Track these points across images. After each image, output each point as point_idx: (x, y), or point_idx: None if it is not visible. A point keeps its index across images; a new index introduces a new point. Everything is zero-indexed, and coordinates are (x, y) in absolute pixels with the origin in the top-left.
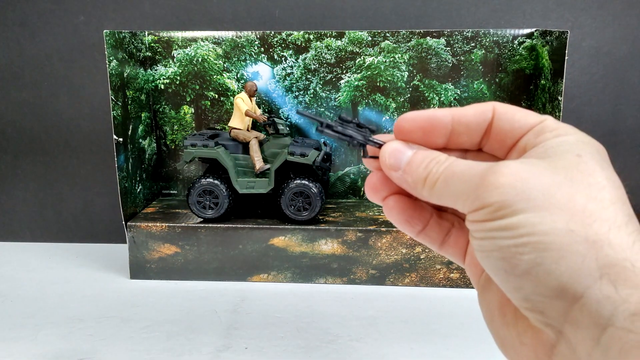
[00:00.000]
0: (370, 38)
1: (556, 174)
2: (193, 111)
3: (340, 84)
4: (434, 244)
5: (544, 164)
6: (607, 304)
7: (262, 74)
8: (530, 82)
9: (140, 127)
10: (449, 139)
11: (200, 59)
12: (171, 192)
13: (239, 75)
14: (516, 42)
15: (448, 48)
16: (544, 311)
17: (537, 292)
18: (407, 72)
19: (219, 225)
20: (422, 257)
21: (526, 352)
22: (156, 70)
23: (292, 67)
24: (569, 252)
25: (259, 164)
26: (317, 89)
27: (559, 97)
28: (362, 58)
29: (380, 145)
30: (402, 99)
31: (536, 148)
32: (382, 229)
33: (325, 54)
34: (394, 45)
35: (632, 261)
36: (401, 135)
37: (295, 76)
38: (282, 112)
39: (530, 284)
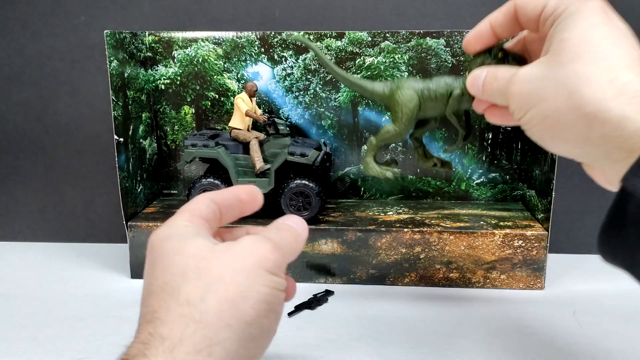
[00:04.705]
0: (370, 38)
1: (550, 68)
2: (193, 111)
3: (340, 84)
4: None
5: (545, 62)
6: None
7: (262, 74)
8: None
9: (141, 127)
10: (498, 39)
11: (200, 60)
12: (172, 192)
13: (239, 76)
14: None
15: (448, 48)
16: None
17: (565, 149)
18: (407, 73)
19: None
20: (421, 256)
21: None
22: (157, 70)
23: (292, 67)
24: (567, 126)
25: (259, 163)
26: (317, 89)
27: None
28: (362, 58)
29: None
30: None
31: (546, 43)
32: (381, 229)
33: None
34: (394, 45)
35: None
36: (469, 49)
37: (296, 76)
38: (282, 113)
39: (559, 146)
